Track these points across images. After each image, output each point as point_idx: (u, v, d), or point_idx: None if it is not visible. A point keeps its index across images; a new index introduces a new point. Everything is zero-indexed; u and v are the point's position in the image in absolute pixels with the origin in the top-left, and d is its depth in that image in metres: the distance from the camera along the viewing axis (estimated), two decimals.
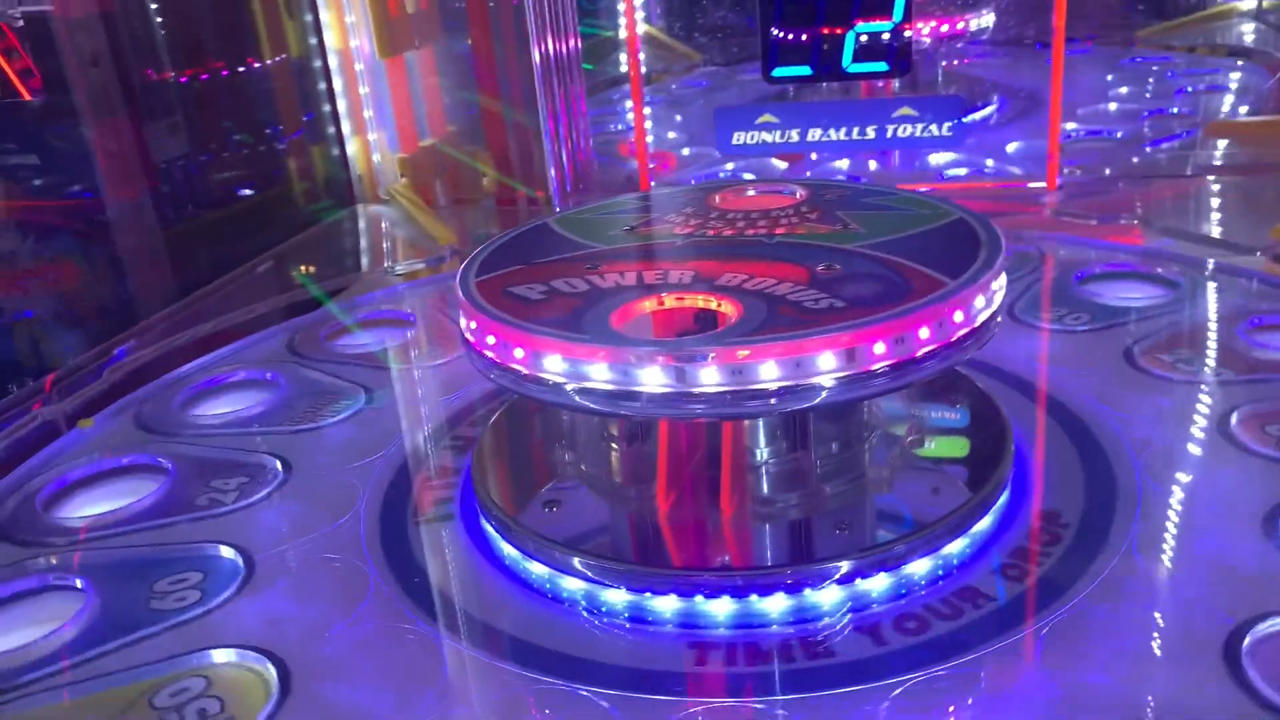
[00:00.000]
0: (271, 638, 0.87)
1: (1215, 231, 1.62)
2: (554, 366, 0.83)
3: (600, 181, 2.08)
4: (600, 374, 0.81)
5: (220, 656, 0.86)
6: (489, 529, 0.98)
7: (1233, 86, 2.38)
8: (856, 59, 1.76)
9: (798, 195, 1.14)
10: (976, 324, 0.86)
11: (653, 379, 0.80)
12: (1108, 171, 1.92)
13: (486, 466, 1.05)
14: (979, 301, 0.86)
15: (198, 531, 1.04)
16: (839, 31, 1.76)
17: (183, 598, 0.94)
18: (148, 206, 1.86)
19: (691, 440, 0.95)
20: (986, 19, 2.39)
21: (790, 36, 1.78)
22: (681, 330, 0.88)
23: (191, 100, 1.93)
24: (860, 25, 1.74)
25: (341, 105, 2.02)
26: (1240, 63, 2.57)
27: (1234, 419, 1.07)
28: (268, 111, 2.02)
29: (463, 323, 0.94)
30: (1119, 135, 2.10)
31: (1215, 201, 1.79)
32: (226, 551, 1.00)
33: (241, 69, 1.98)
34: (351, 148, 2.04)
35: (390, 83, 2.01)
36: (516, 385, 0.87)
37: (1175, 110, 2.23)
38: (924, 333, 0.82)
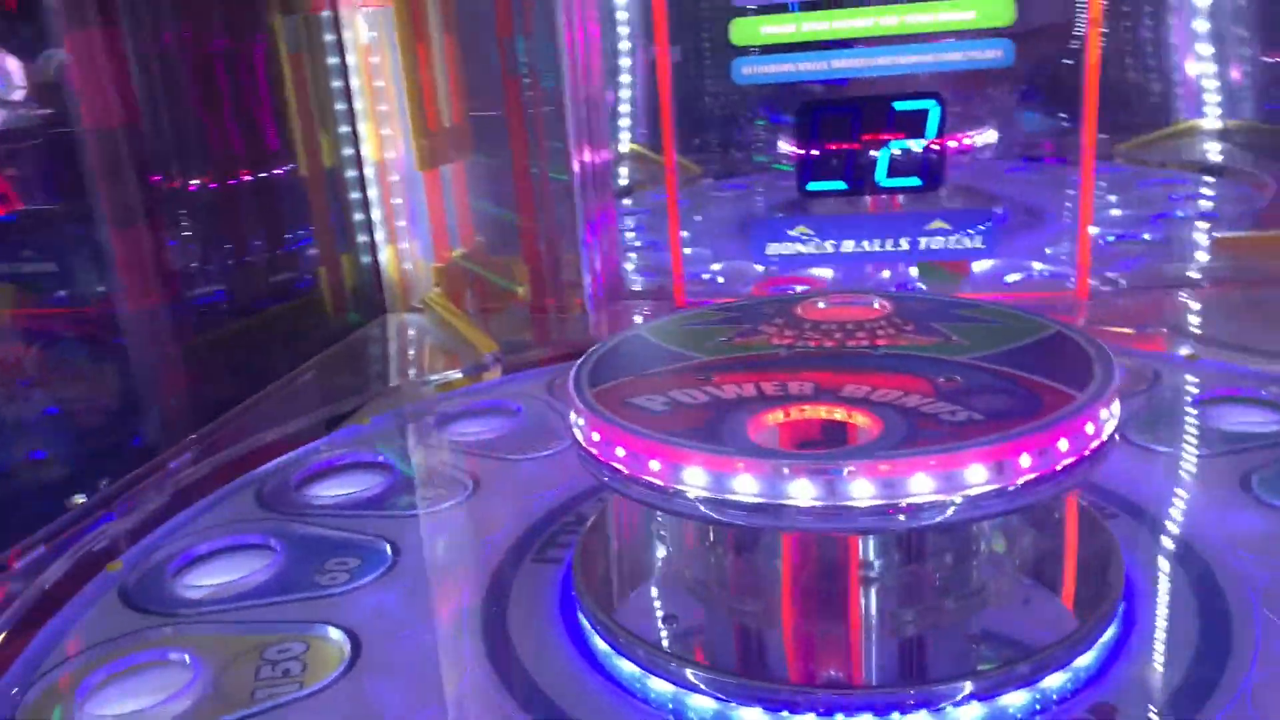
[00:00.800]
0: (365, 624, 1.00)
1: (1246, 340, 1.66)
2: (695, 479, 0.83)
3: (630, 292, 2.10)
4: (746, 487, 0.81)
5: (330, 630, 1.00)
6: (598, 642, 0.95)
7: (1225, 202, 2.47)
8: (891, 174, 1.82)
9: (879, 306, 1.16)
10: (1104, 437, 0.87)
11: (802, 493, 0.79)
12: (1122, 283, 1.97)
13: (590, 574, 1.03)
14: (1104, 414, 0.88)
15: (379, 526, 1.21)
16: (873, 148, 1.81)
17: (335, 576, 1.10)
18: (169, 318, 1.84)
19: (812, 552, 0.94)
20: (990, 135, 2.49)
21: (825, 152, 1.84)
22: (812, 442, 0.88)
23: (220, 209, 1.93)
24: (895, 142, 1.80)
25: (376, 214, 2.03)
26: (1212, 179, 2.67)
27: None
28: (298, 220, 2.03)
29: (581, 435, 0.93)
30: (1128, 246, 2.17)
31: (1235, 311, 1.84)
32: (386, 548, 1.15)
33: (272, 177, 2.00)
34: (384, 257, 2.05)
35: (425, 193, 2.03)
36: (648, 498, 0.86)
37: (1174, 221, 2.31)
38: (1063, 445, 0.83)
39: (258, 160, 1.98)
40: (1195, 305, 1.86)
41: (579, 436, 0.94)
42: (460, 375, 1.76)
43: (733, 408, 0.90)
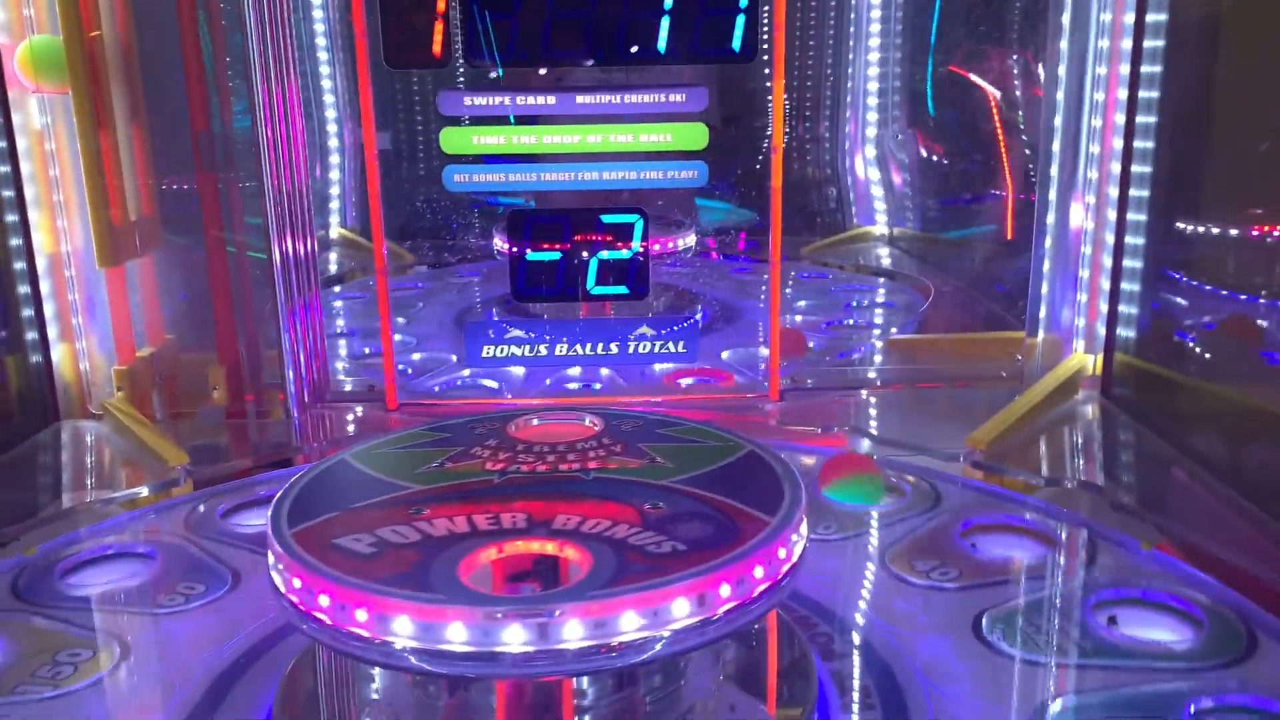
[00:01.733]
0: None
1: (916, 439, 1.84)
2: (403, 629, 0.80)
3: (338, 393, 2.03)
4: (458, 635, 0.79)
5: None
6: None
7: (895, 305, 2.75)
8: (599, 282, 1.88)
9: (589, 423, 1.19)
10: (794, 559, 0.93)
11: (515, 638, 0.79)
12: (810, 382, 2.13)
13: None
14: (795, 536, 0.94)
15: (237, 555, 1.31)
16: (583, 257, 1.87)
17: (175, 598, 1.21)
18: None
19: (524, 690, 0.94)
20: (690, 238, 2.64)
21: (537, 259, 1.88)
22: (524, 580, 0.88)
23: None
24: (603, 252, 1.86)
25: (49, 310, 1.84)
26: (882, 281, 2.97)
27: None
28: None
29: (280, 582, 0.88)
30: (812, 346, 2.34)
31: (905, 412, 2.04)
32: (222, 570, 1.26)
33: None
34: (57, 356, 1.86)
35: (106, 289, 1.87)
36: (357, 651, 0.82)
37: (851, 323, 2.54)
38: (759, 571, 0.88)
39: None
40: (873, 404, 2.05)
41: (278, 583, 0.89)
42: (146, 492, 1.61)
43: (444, 546, 0.88)
